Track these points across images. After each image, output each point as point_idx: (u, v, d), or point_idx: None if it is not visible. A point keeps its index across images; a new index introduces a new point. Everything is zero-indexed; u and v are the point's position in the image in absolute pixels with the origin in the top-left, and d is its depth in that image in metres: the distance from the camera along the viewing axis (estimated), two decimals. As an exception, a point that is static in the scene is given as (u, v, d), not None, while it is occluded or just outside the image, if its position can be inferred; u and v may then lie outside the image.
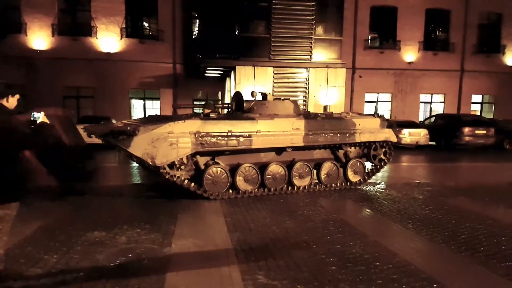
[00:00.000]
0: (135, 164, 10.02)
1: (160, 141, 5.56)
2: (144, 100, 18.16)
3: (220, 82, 17.33)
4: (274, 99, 7.24)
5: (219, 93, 18.26)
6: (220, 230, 4.58)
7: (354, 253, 3.83)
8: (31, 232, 4.30)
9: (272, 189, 6.54)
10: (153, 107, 18.26)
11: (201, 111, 6.86)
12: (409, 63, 19.34)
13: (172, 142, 5.64)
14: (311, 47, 14.28)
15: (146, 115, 15.78)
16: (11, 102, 2.65)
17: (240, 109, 7.03)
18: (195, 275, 3.28)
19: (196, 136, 5.80)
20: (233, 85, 14.27)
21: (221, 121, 6.10)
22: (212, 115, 6.31)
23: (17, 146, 2.56)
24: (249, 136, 6.13)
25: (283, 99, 7.34)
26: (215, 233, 4.46)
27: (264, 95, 7.19)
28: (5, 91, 2.60)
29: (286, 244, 4.08)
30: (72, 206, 5.62)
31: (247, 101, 7.12)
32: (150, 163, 5.56)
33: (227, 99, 15.69)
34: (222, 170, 6.25)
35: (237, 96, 7.32)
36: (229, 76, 15.30)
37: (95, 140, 8.02)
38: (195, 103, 17.63)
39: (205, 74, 16.11)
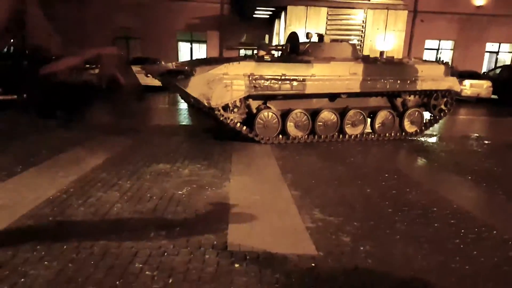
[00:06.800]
0: (183, 106, 10.37)
1: (216, 82, 5.62)
2: (191, 43, 18.15)
3: (267, 25, 16.71)
4: (331, 41, 6.91)
5: (266, 36, 17.67)
6: (274, 171, 4.71)
7: (410, 199, 3.81)
8: (101, 161, 4.68)
9: (322, 136, 6.50)
10: (199, 51, 18.25)
11: (247, 54, 6.75)
12: (478, 7, 17.31)
13: (227, 84, 5.68)
14: (370, -15, 13.13)
15: (193, 58, 15.84)
16: None
17: (295, 51, 6.82)
18: (254, 206, 3.47)
19: (250, 78, 5.78)
20: (282, 27, 13.74)
21: (275, 64, 5.98)
22: (266, 57, 6.21)
23: None
24: (303, 80, 5.99)
25: (340, 41, 6.98)
26: (269, 173, 4.60)
27: (321, 37, 6.85)
28: None
29: (340, 187, 4.13)
30: (133, 141, 5.99)
31: (301, 43, 6.86)
32: (206, 104, 5.68)
33: (275, 43, 15.22)
34: (274, 115, 6.26)
35: (293, 37, 7.04)
36: (279, 17, 14.67)
37: (145, 81, 8.30)
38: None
39: (254, 15, 15.56)
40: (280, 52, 7.27)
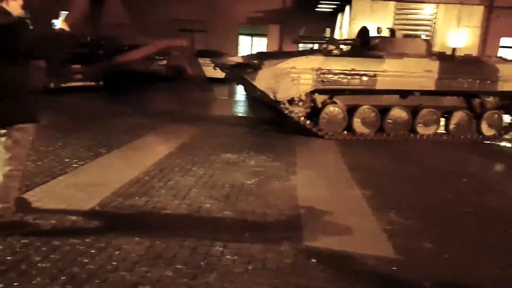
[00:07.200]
0: (241, 98, 10.54)
1: (283, 76, 5.62)
2: (252, 36, 18.28)
3: (328, 18, 16.23)
4: (403, 37, 6.58)
5: (327, 29, 17.27)
6: (340, 167, 4.62)
7: (493, 207, 3.56)
8: (174, 148, 4.90)
9: (391, 135, 6.24)
10: (259, 44, 18.31)
11: (312, 48, 6.65)
12: None
13: (294, 78, 5.66)
14: (443, -22, 12.25)
15: (256, 52, 15.91)
16: (12, 5, 2.38)
17: (365, 46, 6.59)
18: (325, 202, 3.41)
19: (318, 73, 5.70)
20: (346, 21, 13.33)
21: (344, 58, 5.85)
22: (334, 51, 6.08)
23: (23, 53, 2.32)
24: (374, 75, 5.78)
25: (414, 37, 6.62)
26: (336, 169, 4.53)
27: (392, 32, 6.56)
28: None
29: (414, 189, 3.95)
30: (200, 130, 6.18)
31: (371, 37, 6.62)
32: (272, 97, 5.71)
33: (337, 37, 14.80)
34: (340, 110, 6.12)
35: (364, 31, 6.83)
36: (343, 11, 14.25)
37: (208, 73, 8.55)
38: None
39: (316, 9, 15.25)
40: (349, 47, 7.07)
